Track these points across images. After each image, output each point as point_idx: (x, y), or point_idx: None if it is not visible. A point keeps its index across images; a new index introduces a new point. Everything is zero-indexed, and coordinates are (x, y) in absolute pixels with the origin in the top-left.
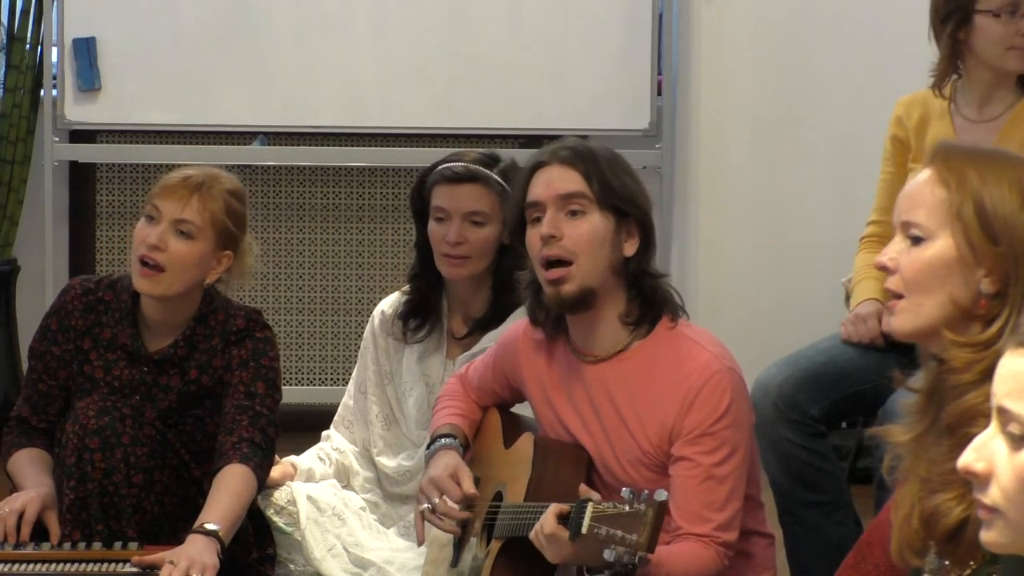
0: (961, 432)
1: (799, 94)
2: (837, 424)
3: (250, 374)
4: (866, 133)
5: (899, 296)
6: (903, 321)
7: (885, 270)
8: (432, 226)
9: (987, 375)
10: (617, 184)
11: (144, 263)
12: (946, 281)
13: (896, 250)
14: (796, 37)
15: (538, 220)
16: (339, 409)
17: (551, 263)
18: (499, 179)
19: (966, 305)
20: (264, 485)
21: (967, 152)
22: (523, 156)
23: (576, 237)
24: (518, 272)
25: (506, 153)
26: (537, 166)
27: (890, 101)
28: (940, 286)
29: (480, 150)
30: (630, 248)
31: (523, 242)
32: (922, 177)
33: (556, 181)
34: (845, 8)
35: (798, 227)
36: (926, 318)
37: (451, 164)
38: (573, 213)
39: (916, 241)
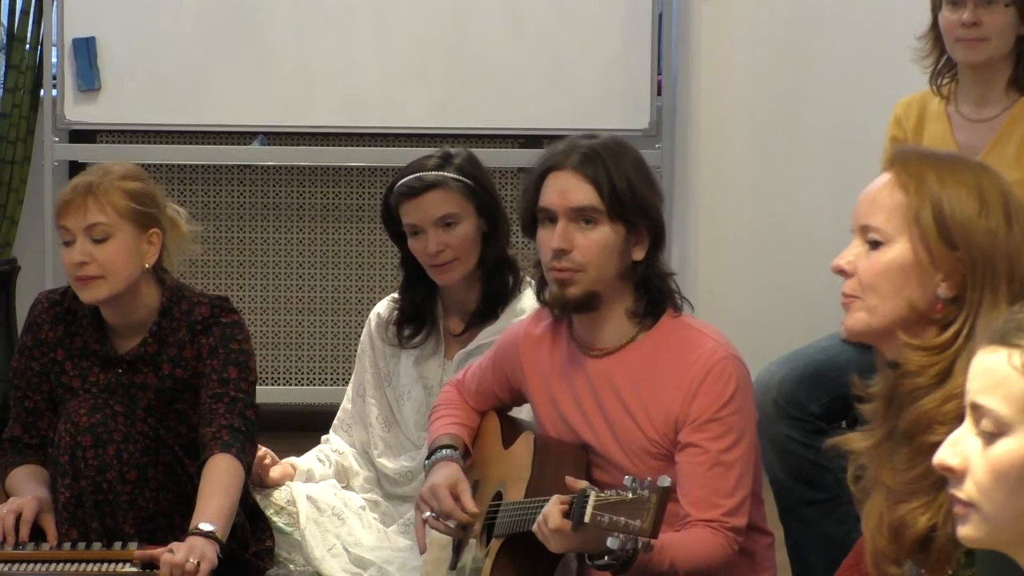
0: (919, 440)
1: (799, 94)
2: (837, 422)
3: (220, 361)
4: (865, 132)
5: (855, 299)
6: (857, 320)
7: (842, 273)
8: (411, 243)
9: (942, 379)
10: (628, 194)
11: (79, 279)
12: (903, 285)
13: (854, 253)
14: (796, 37)
15: (549, 221)
16: (338, 413)
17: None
18: (456, 176)
19: (922, 309)
20: (251, 468)
21: (927, 156)
22: (523, 156)
23: (586, 248)
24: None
25: (506, 153)
26: (550, 168)
27: (889, 101)
28: (897, 290)
29: (432, 151)
30: (639, 253)
31: (535, 237)
32: (881, 181)
33: (569, 191)
34: (845, 8)
35: (798, 227)
36: (881, 320)
37: (405, 180)
38: (585, 221)
39: (874, 245)
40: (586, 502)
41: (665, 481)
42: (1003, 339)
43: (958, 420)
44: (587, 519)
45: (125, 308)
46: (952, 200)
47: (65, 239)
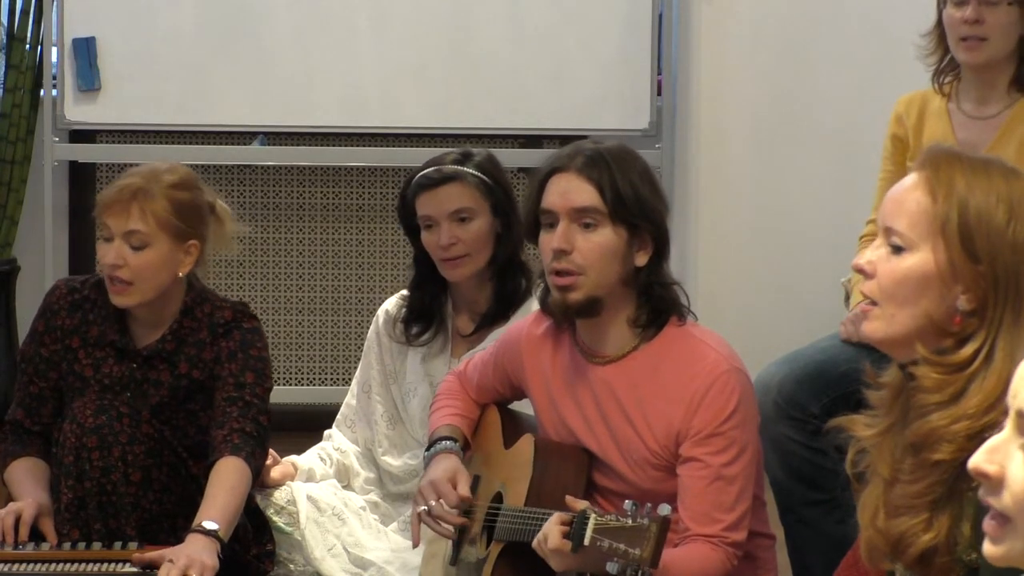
0: (924, 456)
1: (799, 94)
2: None
3: (239, 365)
4: (866, 133)
5: (873, 302)
6: (875, 328)
7: (862, 273)
8: (424, 236)
9: (955, 398)
10: (632, 197)
11: (112, 280)
12: (922, 295)
13: (876, 255)
14: (796, 37)
15: (551, 226)
16: (342, 408)
17: (560, 272)
18: (474, 172)
19: (940, 320)
20: (259, 473)
21: (959, 160)
22: (523, 156)
23: (587, 251)
24: (523, 261)
25: (506, 153)
26: (553, 171)
27: (890, 100)
28: (915, 299)
29: (453, 150)
30: (641, 258)
31: (537, 241)
32: (909, 182)
33: (571, 192)
34: (845, 8)
35: (798, 227)
36: (899, 328)
37: (425, 172)
38: (586, 225)
39: (896, 250)
40: (586, 524)
41: (665, 510)
42: None
43: (968, 440)
44: (586, 542)
45: (151, 305)
46: (980, 210)
47: (104, 235)
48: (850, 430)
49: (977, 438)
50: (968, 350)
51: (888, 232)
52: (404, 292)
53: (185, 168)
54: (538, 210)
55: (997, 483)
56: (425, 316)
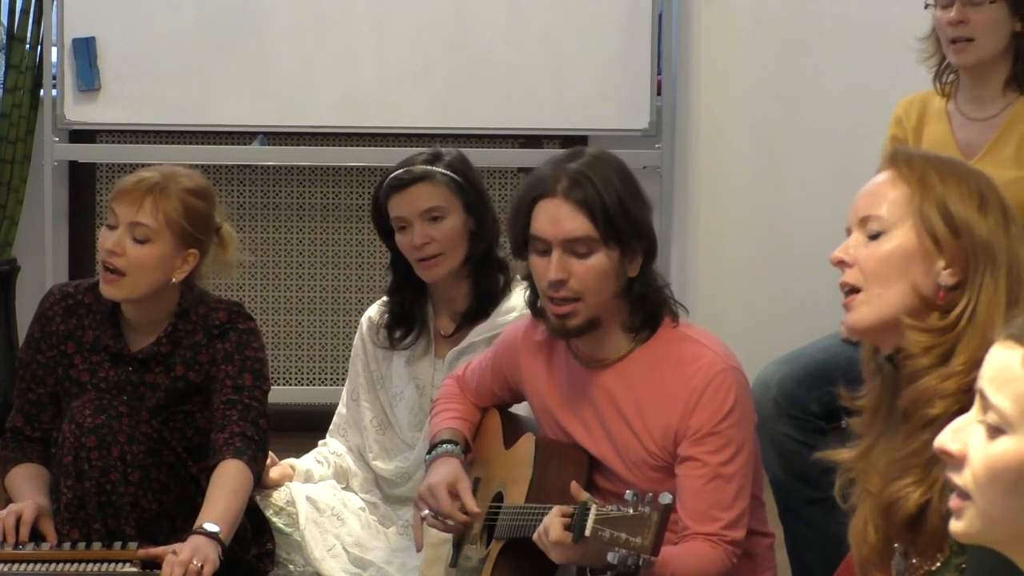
0: (919, 414)
1: (799, 94)
2: (837, 421)
3: (236, 367)
4: (866, 133)
5: (856, 290)
6: (863, 314)
7: (842, 264)
8: (398, 238)
9: (944, 359)
10: (620, 215)
11: (106, 268)
12: (907, 271)
13: (853, 245)
14: (796, 37)
15: (542, 252)
16: (334, 418)
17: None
18: (444, 171)
19: (926, 294)
20: (260, 476)
21: (927, 156)
22: (523, 156)
23: (583, 276)
24: (506, 259)
25: (506, 153)
26: (540, 196)
27: (890, 101)
28: (901, 276)
29: (424, 150)
30: (633, 269)
31: (526, 258)
32: (882, 177)
33: (562, 221)
34: (845, 8)
35: (798, 227)
36: (887, 308)
37: (395, 173)
38: (580, 252)
39: (875, 236)
40: (587, 516)
41: (666, 498)
42: (1021, 338)
43: (958, 393)
44: (588, 533)
45: (144, 306)
46: (954, 196)
47: (109, 222)
48: (834, 460)
49: (967, 391)
50: (953, 314)
51: (865, 221)
52: (385, 298)
53: (206, 180)
54: (527, 234)
55: (960, 461)
56: (406, 320)
